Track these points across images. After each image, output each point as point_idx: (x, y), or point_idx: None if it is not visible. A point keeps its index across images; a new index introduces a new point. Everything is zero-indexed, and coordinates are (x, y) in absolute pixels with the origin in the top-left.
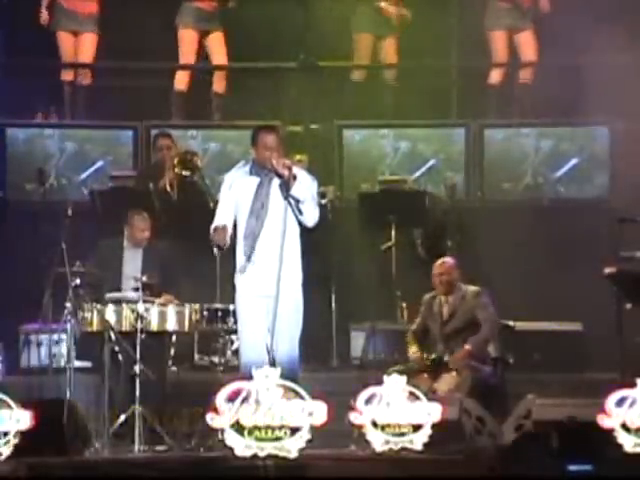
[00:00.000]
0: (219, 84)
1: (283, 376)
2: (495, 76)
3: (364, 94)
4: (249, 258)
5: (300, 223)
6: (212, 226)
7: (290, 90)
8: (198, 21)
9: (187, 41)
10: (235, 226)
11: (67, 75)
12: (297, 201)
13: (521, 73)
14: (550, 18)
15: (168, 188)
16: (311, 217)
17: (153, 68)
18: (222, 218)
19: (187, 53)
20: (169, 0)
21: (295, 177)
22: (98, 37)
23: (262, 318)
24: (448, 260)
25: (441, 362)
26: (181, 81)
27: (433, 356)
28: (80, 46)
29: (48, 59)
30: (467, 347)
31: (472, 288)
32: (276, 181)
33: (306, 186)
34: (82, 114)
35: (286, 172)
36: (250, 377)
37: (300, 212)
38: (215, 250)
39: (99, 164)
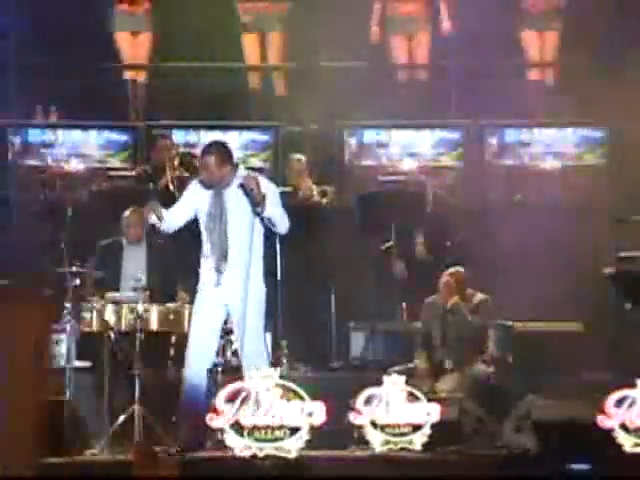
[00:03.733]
0: None
1: None
2: None
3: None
4: (219, 270)
5: (269, 229)
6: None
7: (290, 90)
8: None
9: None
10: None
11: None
12: (269, 219)
13: None
14: None
15: (171, 186)
16: (283, 226)
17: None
18: (174, 215)
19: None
20: None
21: (264, 197)
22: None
23: (217, 327)
24: (457, 272)
25: (442, 367)
26: None
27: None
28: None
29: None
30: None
31: (479, 296)
32: (229, 191)
33: (274, 201)
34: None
35: (255, 194)
36: (197, 385)
37: (273, 225)
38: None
39: (99, 164)
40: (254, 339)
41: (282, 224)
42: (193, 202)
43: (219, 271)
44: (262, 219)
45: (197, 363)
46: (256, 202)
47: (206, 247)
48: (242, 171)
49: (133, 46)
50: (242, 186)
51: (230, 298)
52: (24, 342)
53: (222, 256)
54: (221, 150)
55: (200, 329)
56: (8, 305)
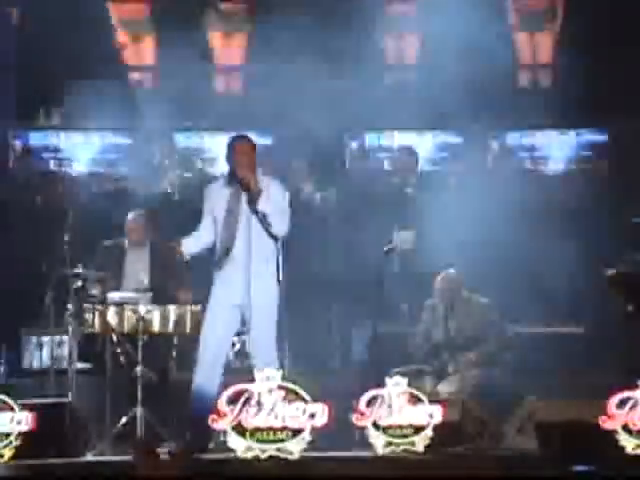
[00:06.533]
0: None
1: None
2: None
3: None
4: (220, 267)
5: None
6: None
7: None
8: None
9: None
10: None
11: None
12: (263, 214)
13: None
14: None
15: (169, 189)
16: (279, 229)
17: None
18: (199, 231)
19: None
20: None
21: (260, 192)
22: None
23: (230, 328)
24: (450, 273)
25: (444, 368)
26: None
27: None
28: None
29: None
30: (471, 357)
31: (481, 300)
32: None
33: (274, 200)
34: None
35: (252, 188)
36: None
37: (268, 224)
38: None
39: (100, 166)
40: (262, 342)
41: (278, 226)
42: (211, 207)
43: (220, 267)
44: (257, 216)
45: (207, 366)
46: (250, 195)
47: (217, 245)
48: None
49: None
50: (241, 180)
51: (239, 298)
52: None
53: (224, 253)
54: (250, 139)
55: (209, 331)
56: None
